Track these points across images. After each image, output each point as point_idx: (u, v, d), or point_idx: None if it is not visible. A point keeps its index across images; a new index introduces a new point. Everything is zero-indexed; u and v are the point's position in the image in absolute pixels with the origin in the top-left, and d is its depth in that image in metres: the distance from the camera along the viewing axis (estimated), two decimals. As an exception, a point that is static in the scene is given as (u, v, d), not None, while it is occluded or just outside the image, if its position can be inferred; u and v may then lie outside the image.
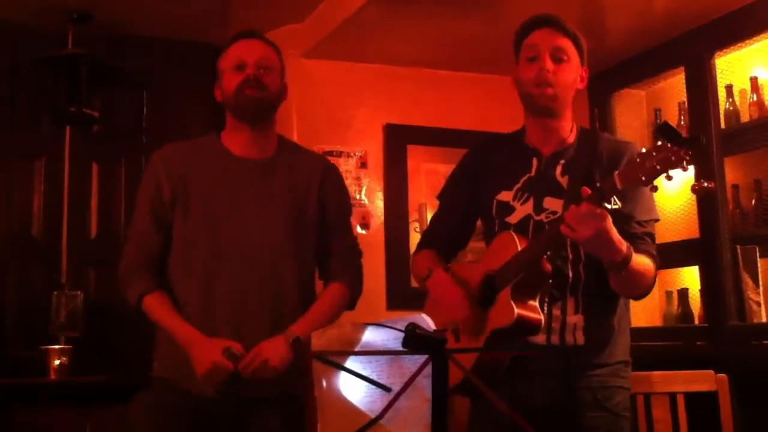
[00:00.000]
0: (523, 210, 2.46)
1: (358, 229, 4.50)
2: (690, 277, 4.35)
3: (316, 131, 4.50)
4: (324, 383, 1.83)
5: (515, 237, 2.32)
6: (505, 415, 1.62)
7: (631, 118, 4.68)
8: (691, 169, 4.08)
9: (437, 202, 2.78)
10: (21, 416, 3.92)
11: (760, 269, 3.89)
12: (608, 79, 4.68)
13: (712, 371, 2.71)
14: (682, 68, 4.21)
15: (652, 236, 2.40)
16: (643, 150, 2.03)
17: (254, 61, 2.66)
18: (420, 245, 2.74)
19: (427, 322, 1.83)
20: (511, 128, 2.64)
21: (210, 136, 2.81)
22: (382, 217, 4.64)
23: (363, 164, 4.65)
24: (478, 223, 2.67)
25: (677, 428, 2.70)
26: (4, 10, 4.35)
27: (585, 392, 2.35)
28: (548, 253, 2.29)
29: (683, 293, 4.33)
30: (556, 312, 2.38)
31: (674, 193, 4.46)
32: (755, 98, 4.02)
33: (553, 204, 2.41)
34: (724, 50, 4.07)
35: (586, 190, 2.10)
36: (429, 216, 4.53)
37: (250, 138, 2.72)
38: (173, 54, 4.76)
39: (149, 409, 2.69)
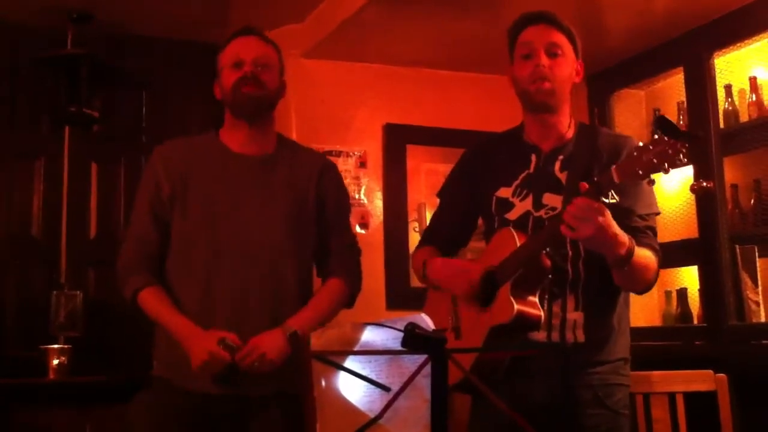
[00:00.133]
0: (522, 206, 2.46)
1: (358, 229, 4.50)
2: (689, 277, 4.35)
3: (315, 131, 4.50)
4: (323, 383, 1.83)
5: (514, 233, 2.33)
6: (506, 415, 1.62)
7: (631, 117, 4.69)
8: (690, 168, 4.12)
9: (437, 202, 2.78)
10: (21, 416, 3.92)
11: (759, 269, 3.89)
12: (608, 78, 4.69)
13: (711, 371, 2.71)
14: (682, 68, 4.22)
15: (653, 230, 2.40)
16: (641, 144, 2.04)
17: (252, 58, 2.66)
18: (420, 243, 2.75)
19: (427, 321, 1.83)
20: (509, 127, 2.64)
21: (209, 133, 2.81)
22: (382, 217, 4.64)
23: (362, 164, 4.65)
24: (480, 221, 2.67)
25: (676, 428, 2.70)
26: (4, 10, 4.35)
27: (585, 390, 2.36)
28: (547, 249, 2.30)
29: (682, 293, 4.33)
30: (556, 309, 2.38)
31: (673, 192, 4.47)
32: (754, 98, 4.02)
33: (552, 200, 2.41)
34: (723, 50, 4.08)
35: (584, 185, 2.11)
36: (428, 216, 4.54)
37: (248, 135, 2.72)
38: (173, 54, 4.76)
39: (149, 409, 2.69)
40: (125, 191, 4.59)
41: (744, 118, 4.06)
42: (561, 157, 2.46)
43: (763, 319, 3.85)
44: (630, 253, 2.18)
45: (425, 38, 4.39)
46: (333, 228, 2.78)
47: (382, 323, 1.85)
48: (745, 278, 3.89)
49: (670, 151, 1.96)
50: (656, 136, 1.99)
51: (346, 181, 4.45)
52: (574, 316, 2.38)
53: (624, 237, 2.17)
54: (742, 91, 4.13)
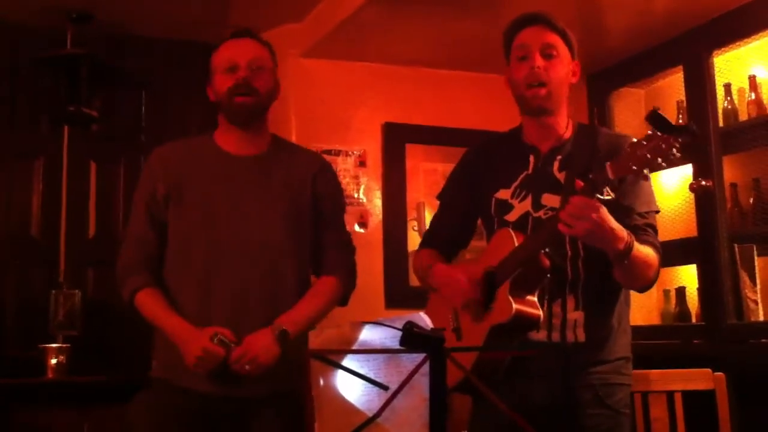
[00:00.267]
0: (521, 207, 2.46)
1: (357, 228, 4.50)
2: (688, 276, 4.36)
3: (314, 130, 4.50)
4: (322, 382, 1.83)
5: (512, 233, 2.33)
6: (506, 415, 1.62)
7: (630, 116, 4.68)
8: (690, 167, 4.12)
9: (436, 202, 2.78)
10: (20, 415, 3.92)
11: (757, 268, 3.90)
12: (607, 78, 4.69)
13: (709, 370, 2.71)
14: (681, 67, 4.22)
15: (653, 227, 2.40)
16: (634, 140, 2.04)
17: (246, 62, 2.66)
18: (421, 245, 2.75)
19: (425, 320, 1.83)
20: (509, 127, 2.64)
21: (204, 135, 2.82)
22: (381, 216, 4.64)
23: (362, 163, 4.65)
24: (480, 222, 2.68)
25: (675, 427, 2.70)
26: (4, 10, 4.35)
27: (585, 390, 2.36)
28: (546, 249, 2.30)
29: (681, 292, 4.34)
30: (557, 309, 2.38)
31: (673, 191, 4.47)
32: (753, 97, 4.02)
33: (551, 200, 2.41)
34: (723, 49, 4.08)
35: (579, 183, 2.12)
36: (427, 215, 4.56)
37: (242, 137, 2.72)
38: (172, 54, 4.76)
39: (149, 409, 2.69)
40: (124, 191, 4.60)
41: (743, 116, 4.06)
42: (559, 157, 2.46)
43: (761, 318, 3.85)
44: (629, 247, 2.19)
45: (424, 37, 4.39)
46: (328, 226, 2.78)
47: (380, 322, 1.85)
48: (744, 277, 3.89)
49: (663, 146, 1.97)
50: (650, 132, 2.00)
51: (345, 181, 4.49)
52: (575, 315, 2.38)
53: (622, 232, 2.18)
54: (741, 90, 4.13)
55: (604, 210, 2.12)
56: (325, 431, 1.84)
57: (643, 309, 4.46)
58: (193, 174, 2.71)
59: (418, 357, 1.60)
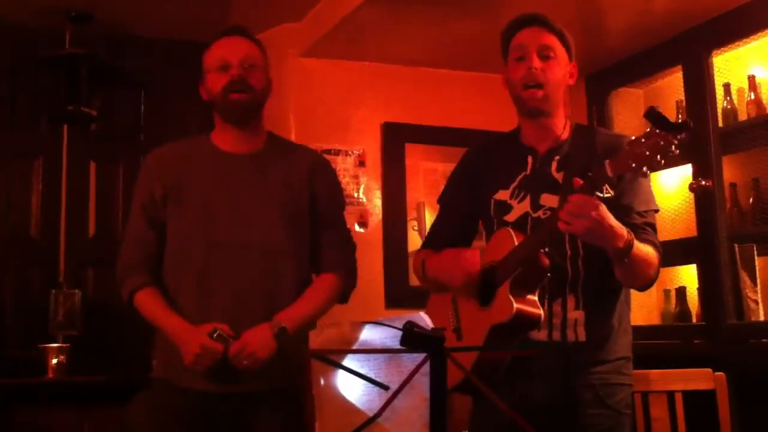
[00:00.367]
0: (520, 208, 2.47)
1: (357, 228, 4.50)
2: (688, 276, 4.36)
3: (314, 130, 4.50)
4: (322, 381, 1.83)
5: (512, 233, 2.33)
6: (506, 415, 1.62)
7: (629, 116, 4.68)
8: (689, 167, 4.12)
9: (435, 201, 2.78)
10: (20, 415, 3.93)
11: (757, 267, 3.89)
12: (606, 77, 4.69)
13: (710, 370, 2.71)
14: (680, 67, 4.22)
15: (653, 226, 2.40)
16: (633, 138, 2.05)
17: (238, 60, 2.66)
18: (422, 247, 2.75)
19: (425, 320, 1.83)
20: (509, 127, 2.64)
21: (201, 135, 2.82)
22: (380, 216, 4.64)
23: (361, 163, 4.65)
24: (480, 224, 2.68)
25: (675, 427, 2.70)
26: (4, 10, 4.35)
27: (586, 390, 2.36)
28: (546, 249, 2.30)
29: (681, 292, 4.33)
30: (557, 308, 2.38)
31: (672, 191, 4.47)
32: (753, 97, 4.02)
33: (550, 200, 2.41)
34: (722, 49, 4.08)
35: (578, 181, 2.13)
36: (427, 214, 4.56)
37: (239, 135, 2.73)
38: (172, 54, 4.76)
39: (149, 409, 2.70)
40: (124, 190, 4.60)
41: (743, 116, 4.06)
42: (557, 157, 2.47)
43: (761, 318, 3.85)
44: (629, 245, 2.19)
45: (424, 37, 4.39)
46: (326, 223, 2.77)
47: (380, 322, 1.84)
48: (744, 277, 3.89)
49: (662, 143, 1.98)
50: (648, 129, 2.00)
51: (345, 180, 4.49)
52: (575, 315, 2.38)
53: (622, 230, 2.18)
54: (740, 90, 4.13)
55: (603, 208, 2.12)
56: (325, 431, 1.84)
57: (643, 309, 4.46)
58: (190, 174, 2.71)
59: (419, 357, 1.60)
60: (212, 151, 2.74)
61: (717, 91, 4.06)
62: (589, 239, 2.20)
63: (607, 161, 2.07)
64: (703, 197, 3.97)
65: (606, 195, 2.11)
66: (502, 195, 2.51)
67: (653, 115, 1.99)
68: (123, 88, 4.74)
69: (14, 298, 4.45)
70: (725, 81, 4.11)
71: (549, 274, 2.31)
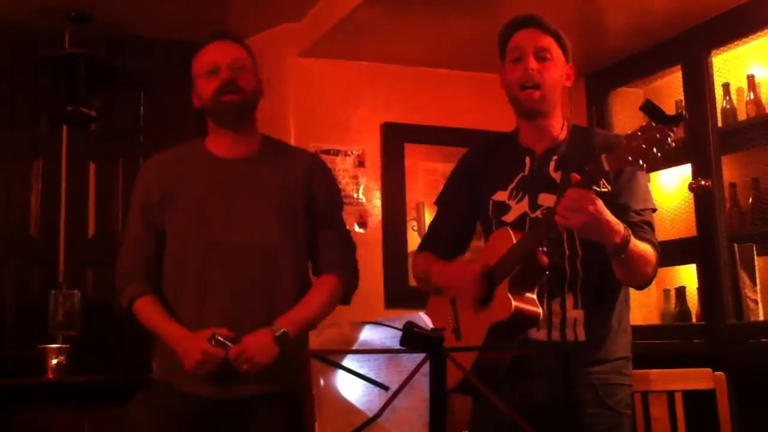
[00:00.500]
0: (519, 208, 2.47)
1: (356, 228, 4.50)
2: (687, 276, 4.36)
3: (313, 130, 4.50)
4: (322, 382, 1.84)
5: (511, 232, 2.34)
6: (506, 415, 1.62)
7: (629, 116, 4.68)
8: (689, 167, 4.12)
9: (436, 205, 2.78)
10: (19, 415, 3.92)
11: (757, 267, 3.89)
12: (605, 77, 4.69)
13: (709, 369, 2.71)
14: (679, 67, 4.22)
15: (650, 225, 2.41)
16: (629, 132, 2.05)
17: (227, 63, 2.66)
18: (420, 248, 2.74)
19: (425, 320, 1.83)
20: (509, 127, 2.64)
21: (195, 141, 2.83)
22: (380, 216, 4.64)
23: (361, 163, 4.65)
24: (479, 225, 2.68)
25: (675, 426, 2.70)
26: (3, 10, 4.35)
27: (586, 390, 2.36)
28: (544, 248, 2.30)
29: (681, 291, 4.33)
30: (556, 307, 2.39)
31: (672, 191, 4.47)
32: (752, 96, 4.02)
33: (548, 200, 2.42)
34: (721, 48, 4.08)
35: (575, 176, 2.13)
36: (427, 215, 4.56)
37: (233, 139, 2.73)
38: (171, 54, 4.74)
39: (149, 409, 2.70)
40: (123, 191, 4.59)
41: (742, 116, 4.06)
42: (555, 157, 2.48)
43: (761, 318, 3.85)
44: (626, 241, 2.19)
45: (424, 37, 4.39)
46: (324, 224, 2.77)
47: (380, 322, 1.85)
48: (744, 277, 3.89)
49: (658, 136, 2.00)
50: (644, 123, 2.01)
51: (344, 181, 4.49)
52: (575, 314, 2.39)
53: (618, 225, 2.19)
54: (740, 90, 4.13)
55: (600, 203, 2.13)
56: (325, 431, 1.84)
57: (643, 309, 4.46)
58: (185, 180, 2.72)
59: (418, 357, 1.60)
60: (206, 157, 2.74)
61: (716, 90, 4.06)
62: (586, 234, 2.20)
63: (604, 156, 2.09)
64: (703, 197, 3.97)
65: (603, 190, 2.12)
66: (501, 196, 2.52)
67: (649, 108, 2.01)
68: (123, 88, 4.74)
69: (14, 298, 4.44)
70: (724, 81, 4.11)
71: (547, 272, 2.31)
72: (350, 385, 1.81)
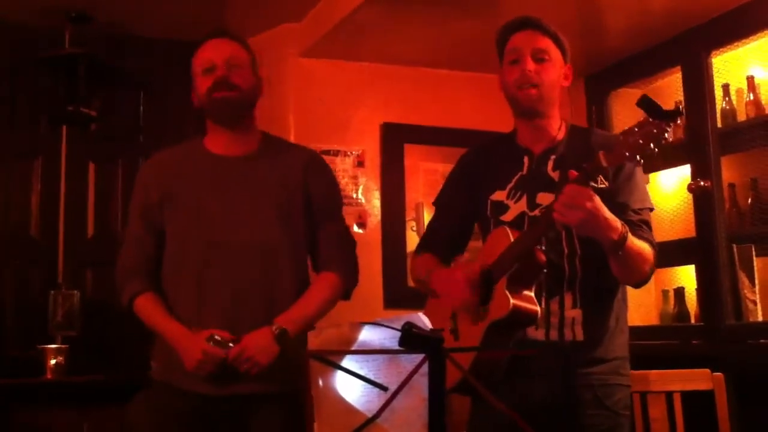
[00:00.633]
0: (517, 208, 2.47)
1: (355, 228, 4.50)
2: (686, 276, 4.36)
3: (313, 130, 4.50)
4: (321, 382, 1.84)
5: (509, 231, 2.34)
6: (505, 415, 1.62)
7: (629, 117, 4.67)
8: (688, 167, 4.12)
9: (435, 206, 2.78)
10: (19, 415, 3.92)
11: (756, 268, 3.90)
12: (605, 78, 4.69)
13: (708, 370, 2.71)
14: (679, 67, 4.22)
15: (648, 224, 2.41)
16: (626, 128, 2.06)
17: (222, 61, 2.66)
18: (418, 249, 2.74)
19: (424, 321, 1.83)
20: (509, 127, 2.65)
21: (194, 140, 2.83)
22: (379, 216, 4.64)
23: (360, 163, 4.65)
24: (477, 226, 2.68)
25: (674, 427, 2.71)
26: (3, 10, 4.35)
27: (585, 390, 2.36)
28: (542, 246, 2.31)
29: (680, 292, 4.34)
30: (554, 307, 2.39)
31: (671, 192, 4.47)
32: (752, 97, 4.02)
33: (546, 199, 2.42)
34: (721, 49, 4.08)
35: (573, 173, 2.14)
36: (426, 215, 4.56)
37: (231, 138, 2.73)
38: (171, 54, 4.74)
39: (149, 409, 2.70)
40: (123, 191, 4.59)
41: (741, 117, 4.06)
42: (553, 157, 2.48)
43: (760, 318, 3.85)
44: (623, 237, 2.19)
45: (423, 37, 4.39)
46: (323, 221, 2.77)
47: (379, 322, 1.84)
48: (743, 277, 3.89)
49: (654, 131, 2.00)
50: (641, 119, 2.02)
51: (344, 181, 4.49)
52: (573, 313, 2.39)
53: (616, 222, 2.19)
54: (739, 91, 4.13)
55: (597, 199, 2.13)
56: None
57: (641, 309, 4.46)
58: (184, 179, 2.72)
59: (417, 357, 1.60)
60: (205, 155, 2.74)
61: (716, 91, 4.07)
62: (584, 231, 2.20)
63: (601, 152, 2.09)
64: (702, 198, 3.97)
65: (601, 186, 2.12)
66: (499, 195, 2.52)
67: (645, 103, 2.01)
68: (123, 88, 4.74)
69: (13, 298, 4.45)
70: (724, 81, 4.11)
71: (545, 270, 2.32)
72: (349, 386, 1.81)
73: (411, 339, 1.56)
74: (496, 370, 2.32)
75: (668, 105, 4.33)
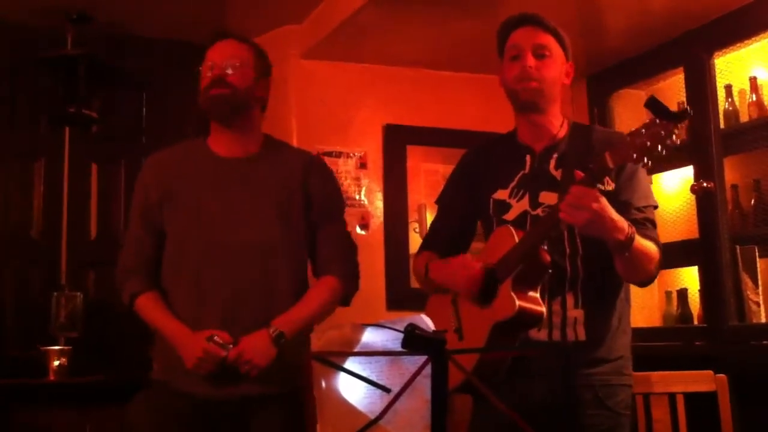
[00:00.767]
0: (519, 206, 2.47)
1: (358, 230, 4.50)
2: (689, 278, 4.35)
3: (315, 132, 4.50)
4: (323, 383, 1.83)
5: (512, 230, 2.33)
6: (506, 415, 1.62)
7: (631, 117, 4.68)
8: (691, 168, 4.12)
9: (437, 205, 2.77)
10: (21, 416, 3.92)
11: (759, 269, 3.89)
12: (608, 79, 4.69)
13: (711, 371, 2.71)
14: (682, 68, 4.22)
15: (652, 222, 2.40)
16: (633, 129, 2.05)
17: (222, 60, 2.67)
18: (420, 249, 2.74)
19: (427, 322, 1.82)
20: (510, 129, 2.64)
21: (197, 139, 2.83)
22: (382, 218, 4.64)
23: (362, 165, 4.65)
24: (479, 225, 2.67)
25: (677, 428, 2.70)
26: (4, 10, 4.35)
27: (586, 391, 2.36)
28: (545, 246, 2.30)
29: (682, 293, 4.33)
30: (556, 307, 2.38)
31: (674, 193, 4.47)
32: (754, 98, 4.02)
33: (549, 198, 2.41)
34: (724, 50, 4.08)
35: (579, 174, 2.13)
36: (428, 216, 4.56)
37: (231, 138, 2.73)
38: (172, 54, 4.75)
39: (149, 409, 2.70)
40: (125, 192, 4.59)
41: (744, 118, 4.06)
42: (555, 155, 2.47)
43: (763, 320, 3.84)
44: (630, 238, 2.19)
45: (425, 39, 4.39)
46: (322, 221, 2.76)
47: (382, 324, 1.84)
48: (746, 279, 3.89)
49: (662, 133, 1.99)
50: (648, 120, 2.01)
51: (346, 183, 4.49)
52: (575, 313, 2.38)
53: (623, 223, 2.18)
54: (742, 92, 4.13)
55: (604, 200, 2.12)
56: (326, 433, 1.83)
57: (644, 310, 4.46)
58: (185, 178, 2.72)
59: (420, 359, 1.60)
60: (206, 156, 2.74)
61: (718, 92, 4.07)
62: (590, 231, 2.19)
63: (607, 153, 2.08)
64: (705, 199, 3.96)
65: (607, 188, 2.11)
66: (501, 194, 2.51)
67: (653, 104, 2.00)
68: (123, 88, 4.74)
69: (15, 298, 4.44)
70: (727, 82, 4.11)
71: (550, 271, 2.31)
72: (352, 387, 1.81)
73: (414, 340, 1.56)
74: (498, 370, 2.31)
75: (670, 106, 4.34)
